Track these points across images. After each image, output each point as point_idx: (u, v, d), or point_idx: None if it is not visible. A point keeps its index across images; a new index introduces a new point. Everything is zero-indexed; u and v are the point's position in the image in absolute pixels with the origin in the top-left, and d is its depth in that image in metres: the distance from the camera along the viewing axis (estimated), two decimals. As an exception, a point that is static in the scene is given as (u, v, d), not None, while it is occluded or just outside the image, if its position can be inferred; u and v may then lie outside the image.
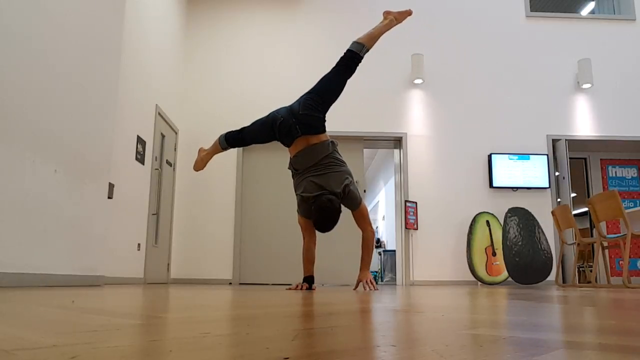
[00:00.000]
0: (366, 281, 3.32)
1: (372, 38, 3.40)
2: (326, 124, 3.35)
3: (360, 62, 3.38)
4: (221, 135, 3.56)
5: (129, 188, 4.82)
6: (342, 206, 3.27)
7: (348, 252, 6.55)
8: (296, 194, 3.35)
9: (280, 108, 3.38)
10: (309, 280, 3.40)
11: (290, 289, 3.48)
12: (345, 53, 3.38)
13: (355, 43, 3.38)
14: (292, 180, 3.42)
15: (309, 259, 3.42)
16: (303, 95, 3.37)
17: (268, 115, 3.37)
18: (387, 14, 3.52)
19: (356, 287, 3.51)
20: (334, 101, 3.37)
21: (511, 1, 7.26)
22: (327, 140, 3.27)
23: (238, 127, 6.73)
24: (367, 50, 3.39)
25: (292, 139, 3.25)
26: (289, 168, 3.43)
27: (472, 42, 7.11)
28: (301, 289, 3.32)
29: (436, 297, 2.14)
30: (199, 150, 3.74)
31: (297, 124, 3.21)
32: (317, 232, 3.45)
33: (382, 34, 3.47)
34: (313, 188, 3.18)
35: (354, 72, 3.39)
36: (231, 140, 3.50)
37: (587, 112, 6.96)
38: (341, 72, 3.35)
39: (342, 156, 3.36)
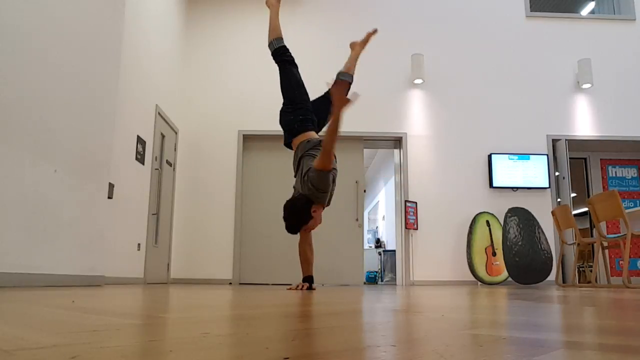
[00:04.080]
0: None
1: (354, 64, 3.72)
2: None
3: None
4: (278, 35, 3.51)
5: (129, 188, 4.82)
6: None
7: (348, 252, 6.55)
8: None
9: (309, 100, 3.48)
10: (308, 280, 3.41)
11: (290, 289, 3.48)
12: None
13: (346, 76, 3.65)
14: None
15: (306, 259, 3.45)
16: (324, 99, 3.51)
17: (305, 95, 3.45)
18: (353, 45, 3.80)
19: None
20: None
21: (511, 1, 7.26)
22: (304, 140, 3.30)
23: (237, 127, 6.76)
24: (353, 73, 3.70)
25: (298, 133, 3.34)
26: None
27: (472, 42, 7.10)
28: (302, 289, 3.32)
29: (436, 297, 2.14)
30: None
31: (317, 123, 3.39)
32: (312, 232, 3.47)
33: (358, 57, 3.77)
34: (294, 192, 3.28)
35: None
36: (281, 51, 3.48)
37: (587, 112, 6.95)
38: None
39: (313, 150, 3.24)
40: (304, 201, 3.05)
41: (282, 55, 3.44)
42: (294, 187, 3.29)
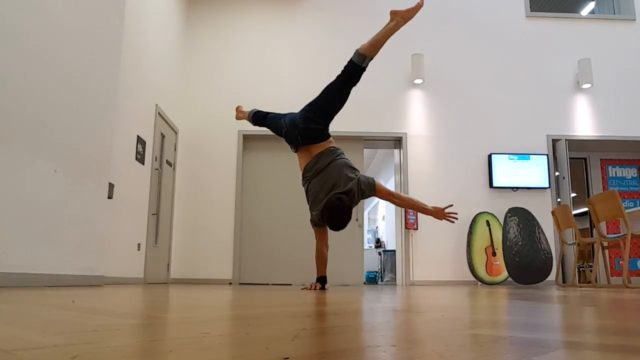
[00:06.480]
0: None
1: (376, 46, 3.15)
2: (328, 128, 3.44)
3: (363, 72, 3.22)
4: (251, 111, 3.84)
5: (129, 188, 4.81)
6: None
7: (348, 252, 6.55)
8: (311, 213, 3.42)
9: (287, 115, 3.50)
10: (322, 280, 3.49)
11: (304, 289, 3.57)
12: (347, 63, 3.21)
13: (357, 54, 3.17)
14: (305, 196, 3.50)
15: (321, 260, 3.50)
16: (306, 106, 3.42)
17: (278, 118, 3.54)
18: (393, 14, 3.20)
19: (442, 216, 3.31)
20: (337, 111, 3.37)
21: (511, 1, 7.26)
22: (329, 148, 3.32)
23: (237, 127, 6.76)
24: (371, 59, 3.19)
25: (296, 147, 3.41)
26: (303, 184, 3.46)
27: (472, 42, 7.10)
28: (315, 288, 3.41)
29: (436, 297, 2.14)
30: (238, 108, 4.07)
31: (298, 135, 3.33)
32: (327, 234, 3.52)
33: (389, 37, 3.18)
34: (323, 195, 3.21)
35: (357, 82, 3.26)
36: (256, 118, 3.77)
37: (587, 112, 6.95)
38: (343, 83, 3.25)
39: (345, 156, 3.40)
40: (349, 199, 3.15)
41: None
42: (319, 190, 3.25)
